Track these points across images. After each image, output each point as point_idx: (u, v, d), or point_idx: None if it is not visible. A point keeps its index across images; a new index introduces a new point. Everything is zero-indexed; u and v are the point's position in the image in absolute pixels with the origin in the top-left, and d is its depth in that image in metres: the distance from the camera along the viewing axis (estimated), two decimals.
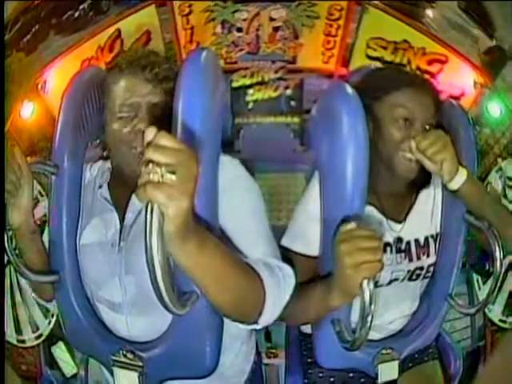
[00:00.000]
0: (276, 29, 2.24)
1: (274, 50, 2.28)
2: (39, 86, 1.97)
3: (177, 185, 0.57)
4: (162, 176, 0.57)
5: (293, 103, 2.32)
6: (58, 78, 1.99)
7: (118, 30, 2.09)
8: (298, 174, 1.95)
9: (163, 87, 0.93)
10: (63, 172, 1.01)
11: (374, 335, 1.05)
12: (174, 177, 0.57)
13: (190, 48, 2.20)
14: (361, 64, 2.13)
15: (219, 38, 2.24)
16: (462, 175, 1.00)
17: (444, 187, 1.10)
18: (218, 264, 0.69)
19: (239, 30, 2.24)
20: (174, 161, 0.57)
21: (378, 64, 2.13)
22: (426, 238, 1.11)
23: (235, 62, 2.30)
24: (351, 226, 0.81)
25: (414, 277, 1.10)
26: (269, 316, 0.80)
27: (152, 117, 0.92)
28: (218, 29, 2.22)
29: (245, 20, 2.22)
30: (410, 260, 1.08)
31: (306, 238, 1.03)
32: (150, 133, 0.58)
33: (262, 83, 2.31)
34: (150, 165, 0.57)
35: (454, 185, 1.01)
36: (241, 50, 2.28)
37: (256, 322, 0.80)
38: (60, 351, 2.00)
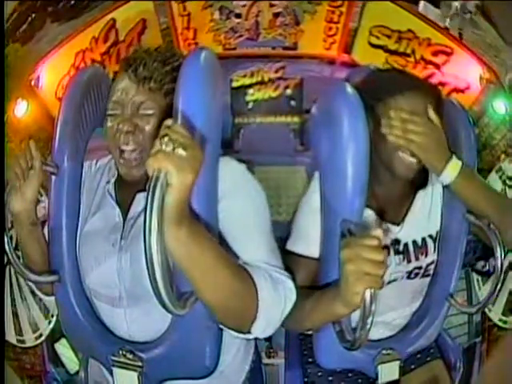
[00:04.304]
0: (276, 15, 2.19)
1: (275, 36, 2.24)
2: (32, 82, 1.95)
3: (186, 159, 0.63)
4: (174, 149, 0.62)
5: (293, 103, 2.29)
6: (52, 71, 1.97)
7: (113, 20, 2.05)
8: (299, 168, 1.94)
9: (149, 87, 0.92)
10: (63, 172, 1.00)
11: (376, 332, 1.05)
12: (184, 152, 0.63)
13: (187, 35, 2.16)
14: (364, 51, 2.12)
15: (217, 24, 2.20)
16: (454, 169, 0.97)
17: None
18: (208, 257, 0.70)
19: (238, 15, 2.20)
20: (186, 142, 0.64)
21: (381, 51, 2.11)
22: (424, 239, 1.10)
23: (234, 49, 2.26)
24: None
25: (412, 275, 1.09)
26: (263, 326, 0.79)
27: (136, 116, 0.91)
28: (216, 15, 2.17)
29: (244, 6, 2.17)
30: (409, 261, 1.08)
31: (308, 239, 1.02)
32: (169, 121, 0.67)
33: (261, 83, 2.28)
34: (166, 138, 0.63)
35: (445, 179, 0.99)
36: (240, 36, 2.24)
37: (249, 332, 0.80)
38: (63, 348, 2.00)
